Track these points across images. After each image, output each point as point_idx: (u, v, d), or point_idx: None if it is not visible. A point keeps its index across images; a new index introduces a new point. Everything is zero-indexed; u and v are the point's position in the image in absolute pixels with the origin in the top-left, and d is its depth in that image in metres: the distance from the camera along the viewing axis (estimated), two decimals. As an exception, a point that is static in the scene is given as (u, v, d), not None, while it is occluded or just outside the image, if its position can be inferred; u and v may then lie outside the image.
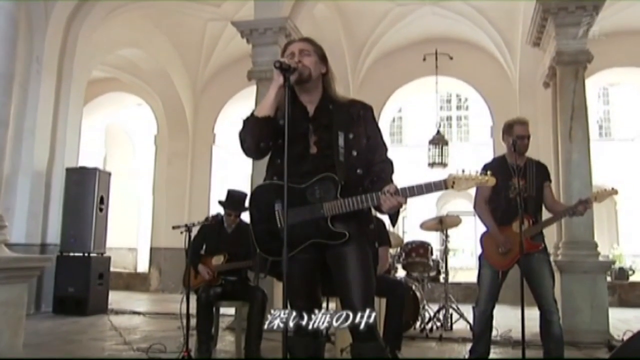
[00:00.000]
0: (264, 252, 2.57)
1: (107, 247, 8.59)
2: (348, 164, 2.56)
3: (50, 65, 8.01)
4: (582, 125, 6.12)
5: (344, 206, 2.48)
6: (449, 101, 24.87)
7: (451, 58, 10.60)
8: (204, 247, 5.12)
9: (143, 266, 14.20)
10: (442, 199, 27.73)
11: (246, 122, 2.59)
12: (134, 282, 12.36)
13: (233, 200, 5.13)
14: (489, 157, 11.87)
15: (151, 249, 12.29)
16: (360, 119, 2.66)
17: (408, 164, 23.06)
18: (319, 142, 2.61)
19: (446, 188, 2.40)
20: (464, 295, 9.91)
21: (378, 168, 2.64)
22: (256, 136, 2.56)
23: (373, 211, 2.62)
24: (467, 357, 4.54)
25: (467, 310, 7.44)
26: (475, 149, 23.09)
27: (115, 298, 9.41)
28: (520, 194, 4.07)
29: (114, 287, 10.96)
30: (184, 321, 4.44)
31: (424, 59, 10.61)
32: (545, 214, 4.39)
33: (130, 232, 16.02)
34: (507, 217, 4.29)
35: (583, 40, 6.19)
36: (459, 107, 25.59)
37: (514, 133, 4.24)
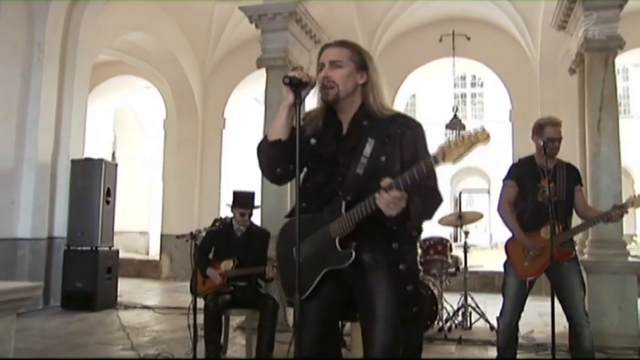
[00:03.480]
0: (288, 295, 2.31)
1: (118, 231, 8.39)
2: (366, 174, 2.21)
3: (52, 52, 7.71)
4: (612, 116, 5.74)
5: (347, 221, 2.15)
6: (463, 78, 24.38)
7: (469, 39, 10.16)
8: (213, 251, 4.88)
9: (155, 249, 14.07)
10: (457, 177, 27.40)
11: (259, 147, 2.32)
12: (145, 269, 12.24)
13: (241, 198, 4.87)
14: (505, 137, 11.65)
15: (162, 235, 12.14)
16: (397, 138, 2.25)
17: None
18: (342, 168, 2.29)
19: (437, 163, 1.95)
20: (481, 284, 9.70)
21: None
22: (269, 163, 2.30)
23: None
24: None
25: (485, 301, 7.28)
26: (490, 127, 22.61)
27: (126, 287, 9.28)
28: (550, 197, 3.77)
29: (125, 274, 10.92)
30: (192, 331, 4.23)
31: (440, 40, 10.18)
32: (575, 220, 4.09)
33: (141, 215, 15.86)
34: (534, 222, 4.00)
35: (614, 25, 5.77)
36: (473, 84, 25.12)
37: (545, 135, 3.91)
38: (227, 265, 4.75)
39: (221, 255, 4.81)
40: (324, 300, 2.26)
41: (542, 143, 3.84)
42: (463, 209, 6.63)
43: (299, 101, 2.14)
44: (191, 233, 4.29)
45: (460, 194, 29.71)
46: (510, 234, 4.10)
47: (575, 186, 4.06)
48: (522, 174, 4.11)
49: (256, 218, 5.15)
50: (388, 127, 2.27)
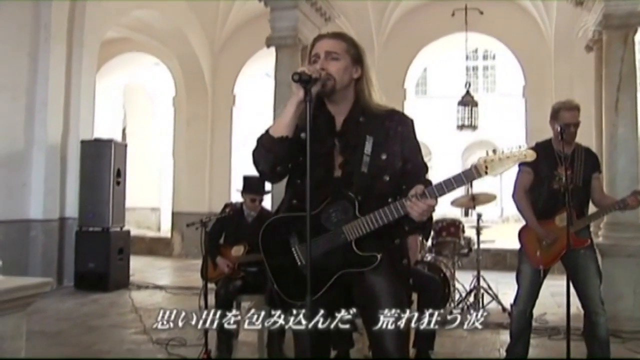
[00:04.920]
0: (289, 297, 2.21)
1: (130, 208, 8.37)
2: (371, 173, 2.19)
3: (59, 32, 7.62)
4: (631, 96, 5.58)
5: (366, 225, 2.12)
6: (475, 51, 24.00)
7: (481, 13, 9.92)
8: (223, 237, 4.84)
9: (166, 226, 14.13)
10: (468, 151, 27.22)
11: (260, 141, 2.21)
12: (156, 246, 12.29)
13: (251, 184, 4.81)
14: (517, 110, 11.42)
15: (173, 213, 12.17)
16: (397, 135, 2.25)
17: (433, 117, 22.62)
18: (344, 165, 2.23)
19: (479, 175, 2.02)
20: (493, 262, 9.67)
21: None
22: (271, 160, 2.18)
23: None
24: (504, 356, 4.26)
25: (497, 280, 7.25)
26: (501, 100, 22.43)
27: (138, 266, 9.32)
28: (567, 185, 3.67)
29: (137, 252, 10.98)
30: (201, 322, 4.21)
31: (453, 15, 9.94)
32: (591, 208, 4.00)
33: (152, 192, 15.90)
34: (549, 210, 3.91)
35: (635, 0, 5.59)
36: (485, 57, 24.78)
37: (561, 119, 3.80)
38: (238, 251, 4.72)
39: (231, 241, 4.78)
40: (327, 303, 2.18)
41: (558, 128, 3.74)
42: (474, 185, 6.53)
43: (309, 98, 2.05)
44: (201, 220, 4.25)
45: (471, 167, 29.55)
46: (524, 222, 4.03)
47: (593, 173, 3.96)
48: (539, 160, 4.00)
49: (267, 203, 5.10)
50: (385, 124, 2.24)
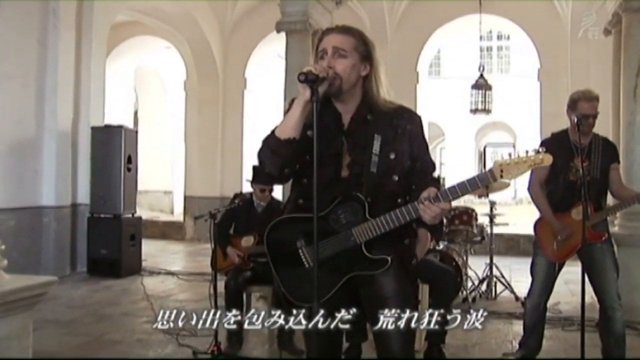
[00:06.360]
0: (296, 299, 2.18)
1: (143, 191, 8.36)
2: (380, 172, 2.14)
3: (68, 18, 7.55)
4: (650, 82, 5.44)
5: (377, 227, 2.08)
6: (489, 31, 23.59)
7: (496, -6, 9.73)
8: (233, 227, 4.81)
9: (179, 209, 14.18)
10: (482, 132, 26.96)
11: (266, 143, 2.15)
12: (169, 230, 12.34)
13: (262, 174, 4.75)
14: (531, 92, 11.17)
15: (185, 197, 12.20)
16: (405, 133, 2.19)
17: (447, 98, 22.39)
18: (352, 165, 2.17)
19: (494, 180, 2.00)
20: (506, 247, 9.59)
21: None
22: (278, 163, 2.12)
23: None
24: (517, 349, 4.22)
25: (510, 266, 7.19)
26: (516, 81, 22.12)
27: (151, 250, 9.37)
28: (583, 177, 3.57)
29: (150, 235, 11.06)
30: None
31: (467, -5, 9.76)
32: (610, 200, 3.91)
33: (165, 175, 15.93)
34: (565, 203, 3.83)
35: (657, -17, 5.41)
36: (499, 37, 24.36)
37: (579, 110, 3.69)
38: (248, 241, 4.69)
39: (241, 231, 4.75)
40: (334, 305, 2.16)
41: (575, 119, 3.63)
42: (487, 164, 6.47)
43: (316, 98, 1.99)
44: (210, 212, 4.21)
45: (484, 148, 29.34)
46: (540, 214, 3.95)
47: (611, 164, 3.85)
48: (554, 151, 3.90)
49: (277, 193, 5.05)
50: (393, 122, 2.19)
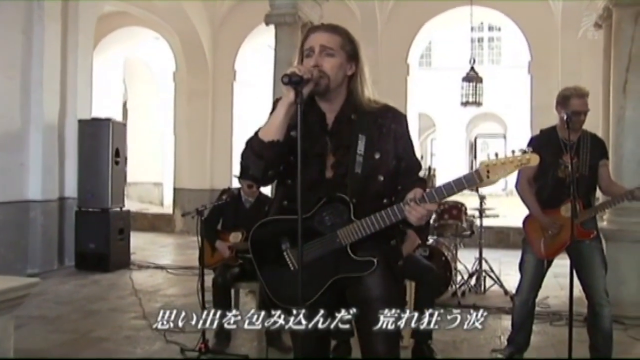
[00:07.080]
0: (281, 301, 2.15)
1: (132, 182, 8.29)
2: (364, 173, 2.11)
3: (53, 10, 7.41)
4: (640, 77, 5.43)
5: (362, 229, 2.05)
6: (480, 22, 23.59)
7: (487, -15, 9.69)
8: (221, 223, 4.77)
9: (169, 201, 14.12)
10: (472, 123, 26.99)
11: (249, 145, 2.11)
12: (159, 223, 12.27)
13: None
14: (522, 83, 11.14)
15: (175, 189, 12.13)
16: (390, 133, 2.16)
17: (438, 89, 22.38)
18: (336, 166, 2.14)
19: (481, 180, 1.96)
20: (496, 240, 9.62)
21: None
22: (261, 166, 2.09)
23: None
24: (505, 345, 4.22)
25: (499, 259, 7.20)
26: (507, 72, 22.14)
27: (140, 243, 9.32)
28: (572, 173, 3.55)
29: (140, 228, 11.02)
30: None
31: (457, -13, 9.72)
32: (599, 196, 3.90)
33: (155, 166, 15.84)
34: (554, 200, 3.82)
35: (647, -24, 5.38)
36: (490, 28, 24.33)
37: (570, 107, 3.67)
38: (236, 237, 4.65)
39: (229, 227, 4.71)
40: (320, 308, 2.13)
41: (565, 116, 3.61)
42: (478, 155, 6.47)
43: (300, 100, 1.95)
44: (197, 209, 4.17)
45: (475, 139, 29.39)
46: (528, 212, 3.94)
47: (600, 160, 3.85)
48: (542, 147, 3.89)
49: (265, 188, 5.01)
50: (378, 121, 2.16)
